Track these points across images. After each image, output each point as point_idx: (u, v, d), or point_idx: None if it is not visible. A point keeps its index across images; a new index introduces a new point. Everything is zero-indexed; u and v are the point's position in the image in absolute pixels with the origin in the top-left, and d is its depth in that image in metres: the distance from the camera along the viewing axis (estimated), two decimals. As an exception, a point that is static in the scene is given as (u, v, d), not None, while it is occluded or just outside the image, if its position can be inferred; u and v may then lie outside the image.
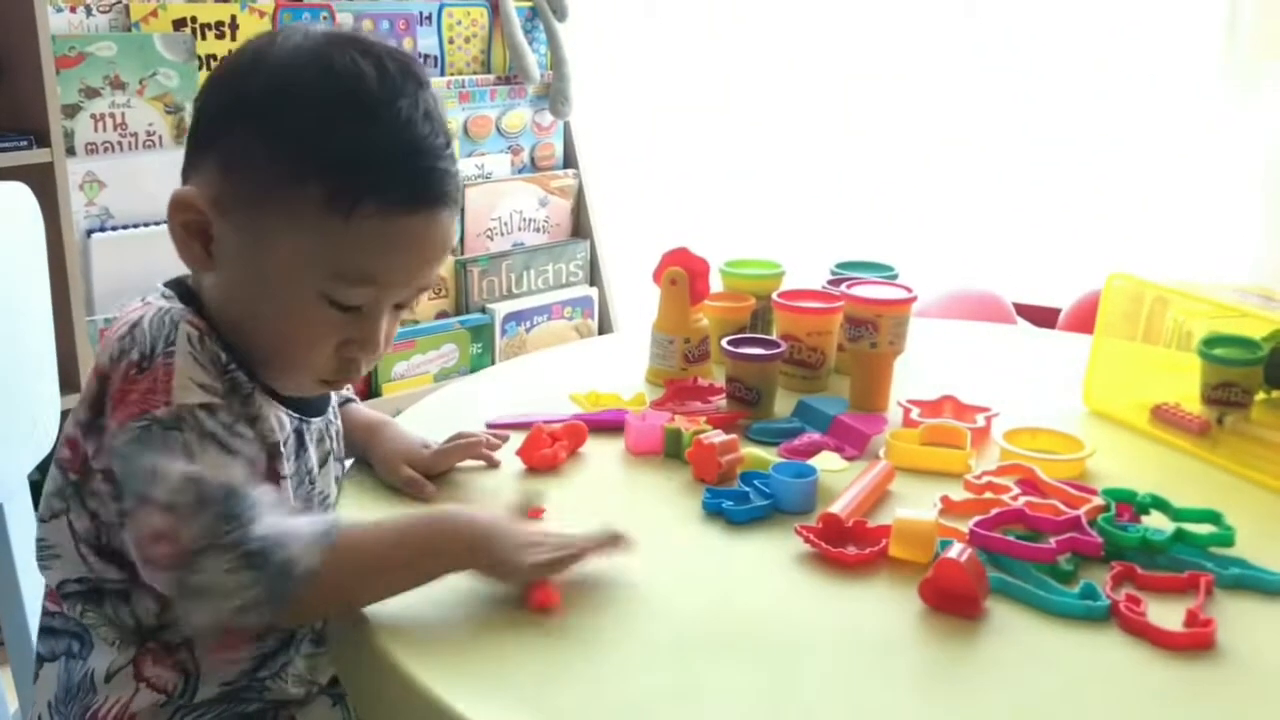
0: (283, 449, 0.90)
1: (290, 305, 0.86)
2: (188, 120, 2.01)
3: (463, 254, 2.44)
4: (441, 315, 2.43)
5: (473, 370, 2.37)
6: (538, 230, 2.58)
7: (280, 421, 0.90)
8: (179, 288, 0.91)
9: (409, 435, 1.08)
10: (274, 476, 0.89)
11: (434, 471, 1.04)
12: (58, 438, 0.92)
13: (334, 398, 1.02)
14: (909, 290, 1.24)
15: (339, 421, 1.03)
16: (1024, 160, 2.51)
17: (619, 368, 1.35)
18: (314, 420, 0.96)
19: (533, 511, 0.96)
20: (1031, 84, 2.47)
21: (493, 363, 2.39)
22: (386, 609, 0.83)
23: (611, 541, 0.87)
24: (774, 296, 1.30)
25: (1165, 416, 1.20)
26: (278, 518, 0.79)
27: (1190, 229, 2.33)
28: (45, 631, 0.92)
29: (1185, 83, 2.30)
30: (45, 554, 0.90)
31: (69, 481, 0.87)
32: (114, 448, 0.80)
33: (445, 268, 2.41)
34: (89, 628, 0.89)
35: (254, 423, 0.87)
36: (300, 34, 0.88)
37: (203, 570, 0.76)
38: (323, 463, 0.98)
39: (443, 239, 0.88)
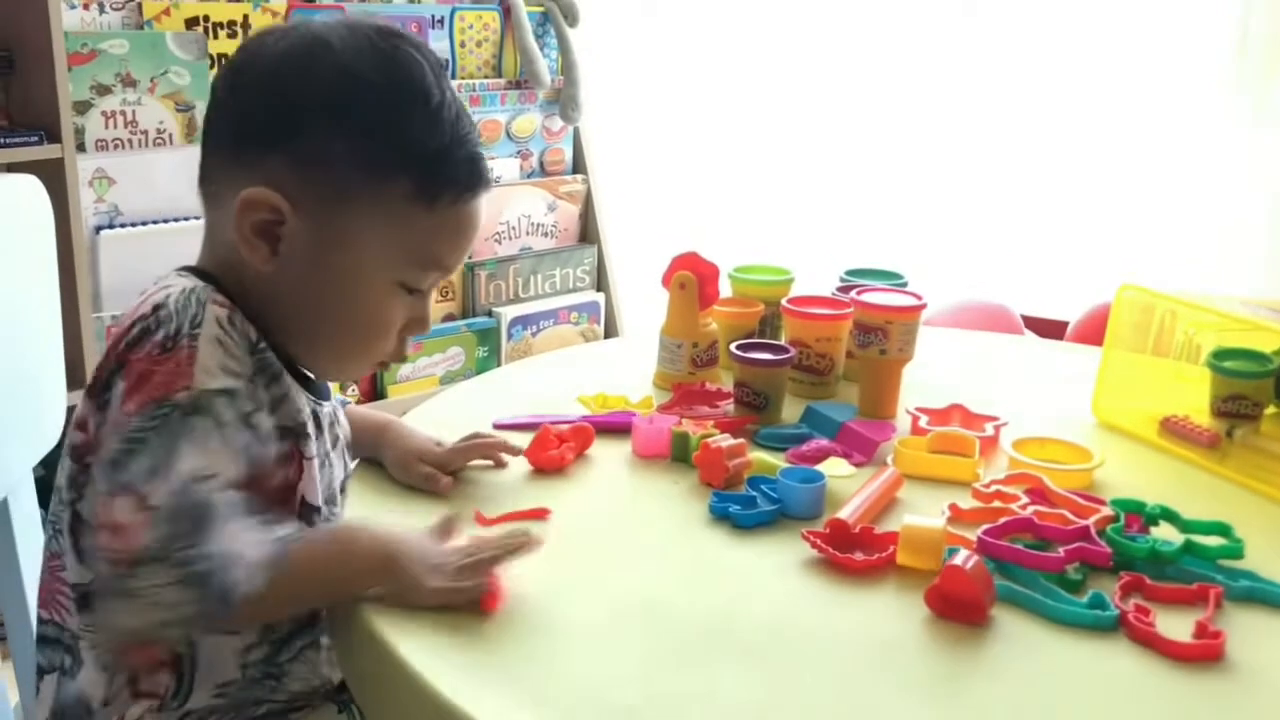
0: (308, 426, 0.89)
1: (368, 295, 0.88)
2: (198, 118, 2.02)
3: (471, 257, 2.44)
4: (448, 318, 2.43)
5: (478, 374, 2.37)
6: (546, 235, 2.58)
7: (300, 404, 0.90)
8: (197, 272, 0.89)
9: (420, 433, 1.08)
10: (298, 459, 0.89)
11: (448, 470, 1.03)
12: (64, 432, 0.91)
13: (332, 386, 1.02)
14: (919, 297, 1.24)
15: (342, 413, 1.03)
16: (1034, 172, 2.51)
17: (627, 371, 1.35)
18: (324, 404, 0.96)
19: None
20: (1042, 96, 2.46)
21: (499, 366, 2.39)
22: (397, 612, 0.82)
23: (520, 543, 0.86)
24: (783, 302, 1.30)
25: (1174, 428, 1.19)
26: (239, 532, 0.77)
27: (1201, 242, 2.33)
28: (41, 641, 0.91)
29: (1196, 96, 2.30)
30: (60, 545, 0.88)
31: (81, 467, 0.85)
32: (124, 430, 0.77)
33: (453, 270, 2.40)
34: (79, 638, 0.87)
35: (280, 403, 0.87)
36: (332, 26, 0.88)
37: (143, 578, 0.74)
38: (334, 444, 0.98)
39: (482, 220, 0.92)
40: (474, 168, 0.89)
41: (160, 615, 0.75)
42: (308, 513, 0.90)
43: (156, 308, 0.82)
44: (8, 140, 1.77)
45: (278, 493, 0.87)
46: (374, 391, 2.31)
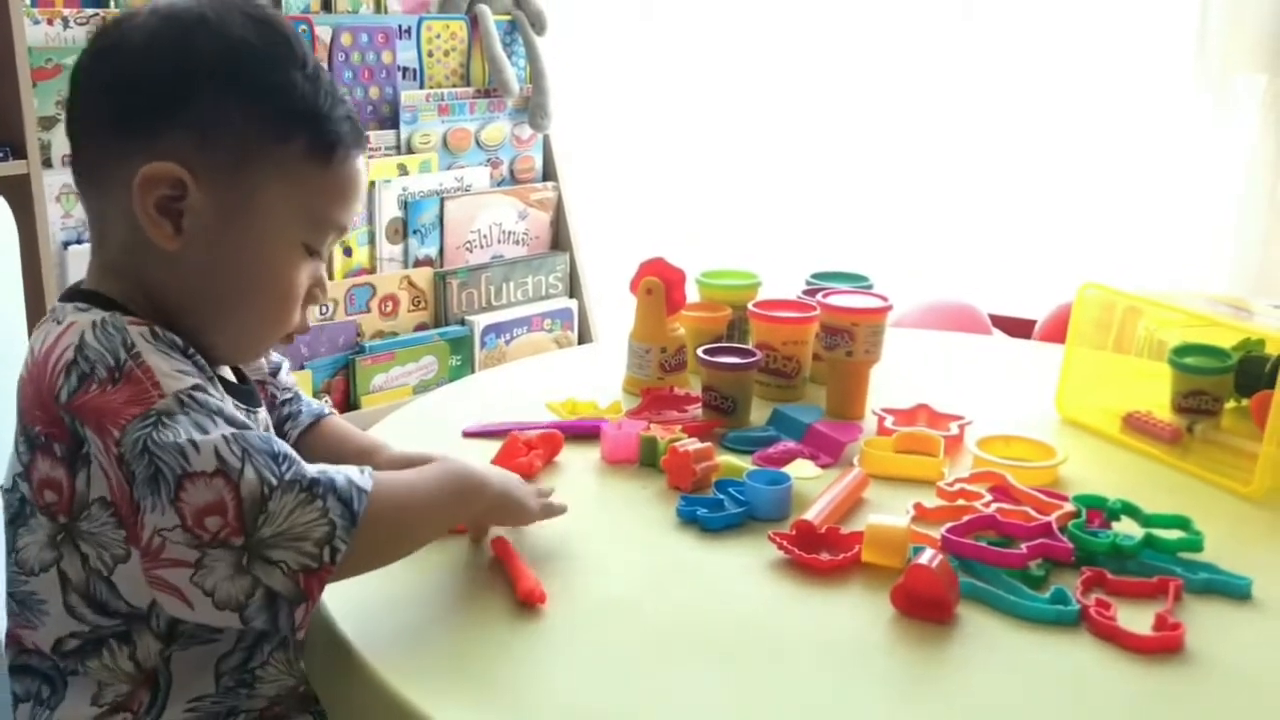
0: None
1: (275, 259, 0.88)
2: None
3: (442, 266, 2.45)
4: (420, 327, 2.42)
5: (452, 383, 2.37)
6: (517, 243, 2.58)
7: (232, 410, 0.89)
8: (92, 298, 0.85)
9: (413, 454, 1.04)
10: None
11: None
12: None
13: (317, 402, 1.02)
14: (885, 299, 1.25)
15: (289, 379, 1.06)
16: (999, 172, 2.53)
17: (597, 377, 1.36)
18: (257, 411, 0.95)
19: None
20: (1006, 97, 2.49)
21: (472, 375, 2.39)
22: (361, 618, 0.83)
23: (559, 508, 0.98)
24: (750, 306, 1.31)
25: (1137, 424, 1.21)
26: (317, 463, 0.79)
27: (1163, 240, 2.35)
28: (19, 670, 0.89)
29: (1157, 95, 2.33)
30: (35, 609, 0.85)
31: (59, 526, 0.82)
32: (125, 454, 0.76)
33: (424, 279, 2.40)
34: (73, 675, 0.86)
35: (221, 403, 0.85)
36: (200, 3, 0.86)
37: (273, 517, 0.74)
38: None
39: (365, 181, 0.94)
40: (354, 126, 0.90)
41: (309, 540, 0.75)
42: None
43: (79, 350, 0.79)
44: (-28, 156, 1.76)
45: None
46: (347, 403, 2.30)
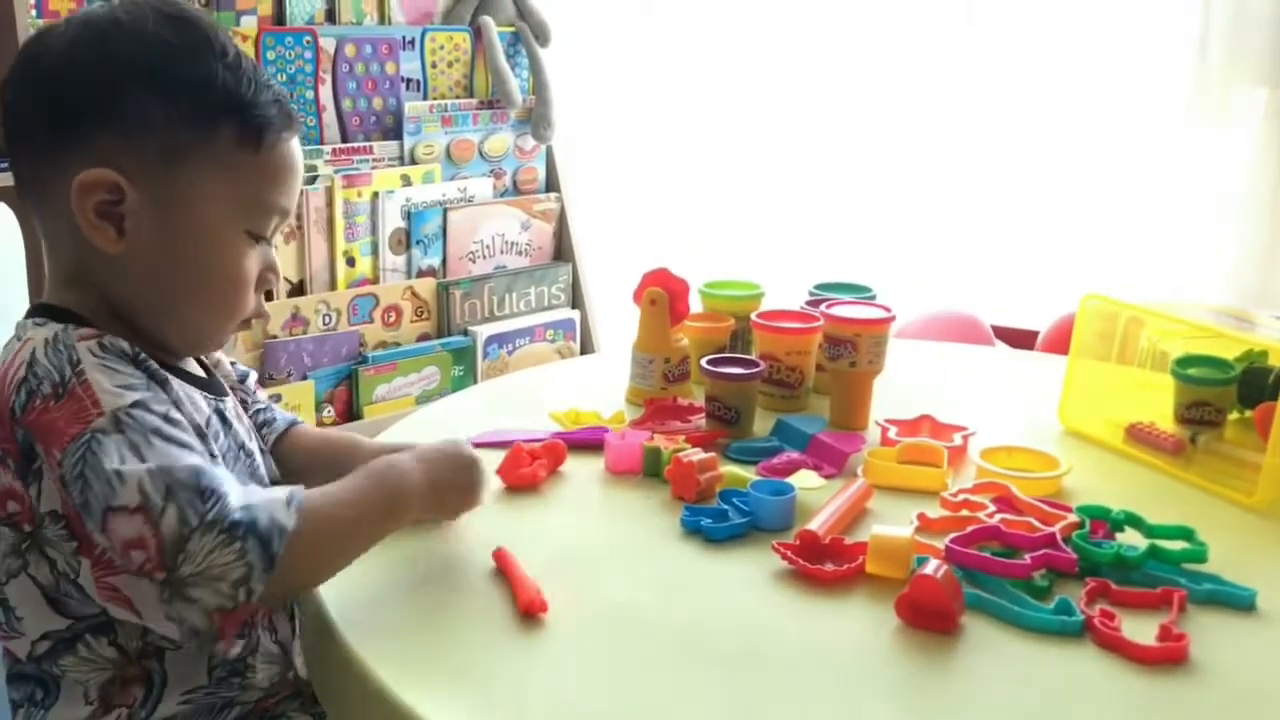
0: (207, 430, 0.89)
1: (221, 250, 0.89)
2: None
3: (445, 277, 2.45)
4: (423, 338, 2.43)
5: (454, 393, 2.37)
6: (520, 253, 2.58)
7: (197, 404, 0.91)
8: (48, 311, 0.87)
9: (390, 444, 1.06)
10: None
11: None
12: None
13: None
14: (888, 310, 1.25)
15: (258, 393, 1.06)
16: (1001, 183, 2.53)
17: (600, 387, 1.36)
18: (226, 399, 0.96)
19: None
20: (1007, 108, 2.49)
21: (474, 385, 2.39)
22: (364, 625, 0.83)
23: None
24: (753, 317, 1.31)
25: (1140, 435, 1.21)
26: (243, 490, 0.79)
27: (1165, 251, 2.35)
28: (15, 677, 0.90)
29: (1159, 106, 2.33)
30: (10, 615, 0.87)
31: (24, 535, 0.85)
32: (65, 475, 0.78)
33: (427, 289, 2.41)
34: (60, 677, 0.88)
35: (179, 407, 0.85)
36: (112, 8, 0.88)
37: (191, 556, 0.74)
38: (250, 436, 0.98)
39: (301, 161, 0.95)
40: (283, 108, 0.91)
41: (227, 581, 0.75)
42: None
43: (29, 367, 0.81)
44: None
45: None
46: (349, 413, 2.31)
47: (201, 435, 0.86)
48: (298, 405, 2.20)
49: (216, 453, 0.89)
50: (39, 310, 0.88)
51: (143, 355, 0.85)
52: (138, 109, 0.85)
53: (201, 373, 0.97)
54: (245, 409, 1.04)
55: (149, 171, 0.85)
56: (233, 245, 0.90)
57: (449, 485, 0.93)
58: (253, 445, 0.98)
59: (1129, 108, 2.37)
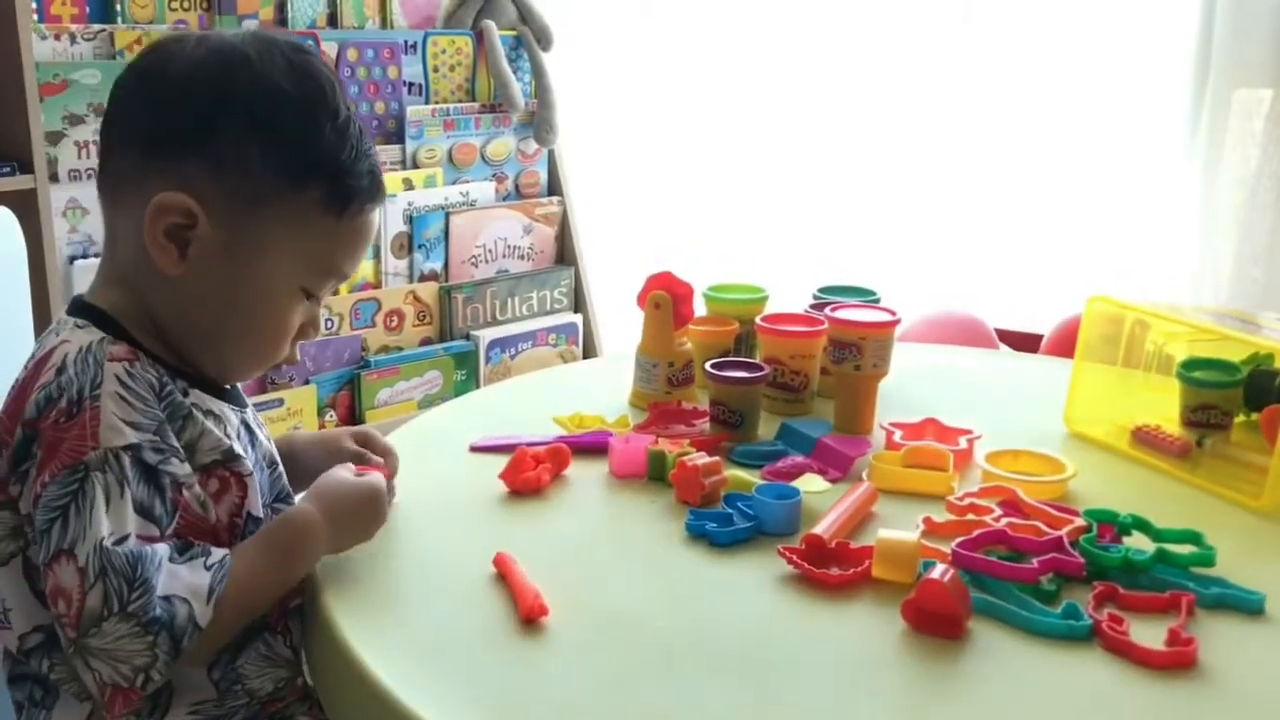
0: (238, 449, 0.90)
1: (274, 301, 0.91)
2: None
3: (447, 281, 2.44)
4: (425, 342, 2.42)
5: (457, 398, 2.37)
6: (522, 257, 2.58)
7: (228, 419, 0.92)
8: (91, 313, 0.89)
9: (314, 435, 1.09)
10: (237, 481, 0.89)
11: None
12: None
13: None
14: (892, 313, 1.25)
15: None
16: (1004, 185, 2.52)
17: (603, 391, 1.35)
18: (247, 410, 0.97)
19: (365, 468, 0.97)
20: (1009, 109, 2.48)
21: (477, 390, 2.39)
22: (365, 628, 0.83)
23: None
24: (757, 320, 1.30)
25: (1146, 438, 1.20)
26: (176, 573, 0.80)
27: (1169, 253, 2.35)
28: (16, 678, 0.91)
29: (1161, 108, 2.33)
30: (1, 609, 0.88)
31: (23, 517, 0.85)
32: (44, 499, 0.79)
33: (429, 293, 2.40)
34: (57, 681, 0.88)
35: (197, 442, 0.87)
36: (246, 39, 0.89)
37: (103, 635, 0.77)
38: (271, 444, 0.99)
39: (374, 231, 0.96)
40: (374, 180, 0.92)
41: (129, 665, 0.78)
42: (255, 525, 0.91)
43: (58, 373, 0.83)
44: (-20, 171, 1.76)
45: (227, 524, 0.89)
46: (352, 417, 2.30)
47: (228, 460, 0.88)
48: (300, 410, 2.19)
49: (249, 469, 0.90)
50: (79, 308, 0.90)
51: (169, 388, 0.86)
52: (235, 147, 0.86)
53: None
54: None
55: (228, 208, 0.87)
56: (286, 298, 0.91)
57: (352, 515, 0.93)
58: (276, 454, 0.99)
59: (1131, 109, 2.36)
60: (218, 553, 0.84)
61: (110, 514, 0.79)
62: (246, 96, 0.86)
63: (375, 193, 0.92)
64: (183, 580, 0.80)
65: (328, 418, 2.26)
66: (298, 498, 0.97)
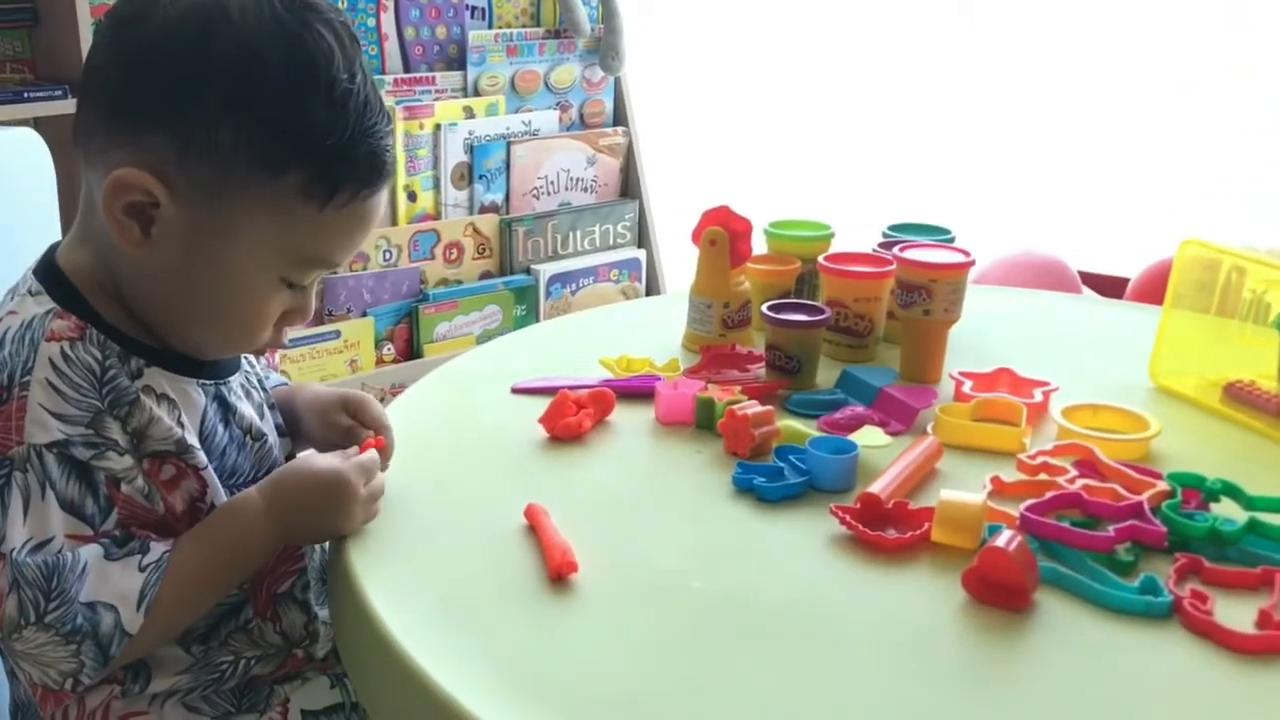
0: (190, 438, 0.84)
1: (244, 290, 0.83)
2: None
3: (508, 213, 2.40)
4: (485, 276, 2.39)
5: (516, 332, 2.33)
6: (585, 190, 2.53)
7: (191, 402, 0.86)
8: (51, 274, 0.83)
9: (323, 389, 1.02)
10: (191, 473, 0.84)
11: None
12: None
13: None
14: (966, 254, 1.18)
15: (258, 369, 0.98)
16: (1091, 119, 2.42)
17: (660, 332, 1.30)
18: (232, 379, 0.91)
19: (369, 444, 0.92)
20: (1104, 38, 2.37)
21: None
22: (392, 591, 0.79)
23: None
24: (821, 259, 1.24)
25: (1239, 395, 1.13)
26: (107, 575, 0.77)
27: (1272, 195, 2.23)
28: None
29: (1262, 41, 2.20)
30: None
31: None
32: None
33: (489, 226, 2.36)
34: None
35: (145, 431, 0.81)
36: None
37: (25, 641, 0.75)
38: (260, 414, 0.94)
39: (380, 210, 0.87)
40: (374, 163, 0.82)
41: (55, 671, 0.76)
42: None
43: None
44: (31, 94, 1.75)
45: (186, 510, 0.84)
46: (410, 351, 2.29)
47: (181, 451, 0.83)
48: (357, 343, 2.18)
49: (204, 463, 0.85)
50: (44, 268, 0.84)
51: (114, 371, 0.80)
52: (205, 126, 0.77)
53: None
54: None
55: (194, 190, 0.79)
56: (259, 288, 0.83)
57: (310, 511, 0.86)
58: (264, 425, 0.93)
59: (1233, 39, 2.23)
60: (157, 549, 0.79)
61: (29, 519, 0.75)
62: (222, 67, 0.77)
63: (373, 177, 0.82)
64: (112, 584, 0.76)
65: (385, 351, 2.24)
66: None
